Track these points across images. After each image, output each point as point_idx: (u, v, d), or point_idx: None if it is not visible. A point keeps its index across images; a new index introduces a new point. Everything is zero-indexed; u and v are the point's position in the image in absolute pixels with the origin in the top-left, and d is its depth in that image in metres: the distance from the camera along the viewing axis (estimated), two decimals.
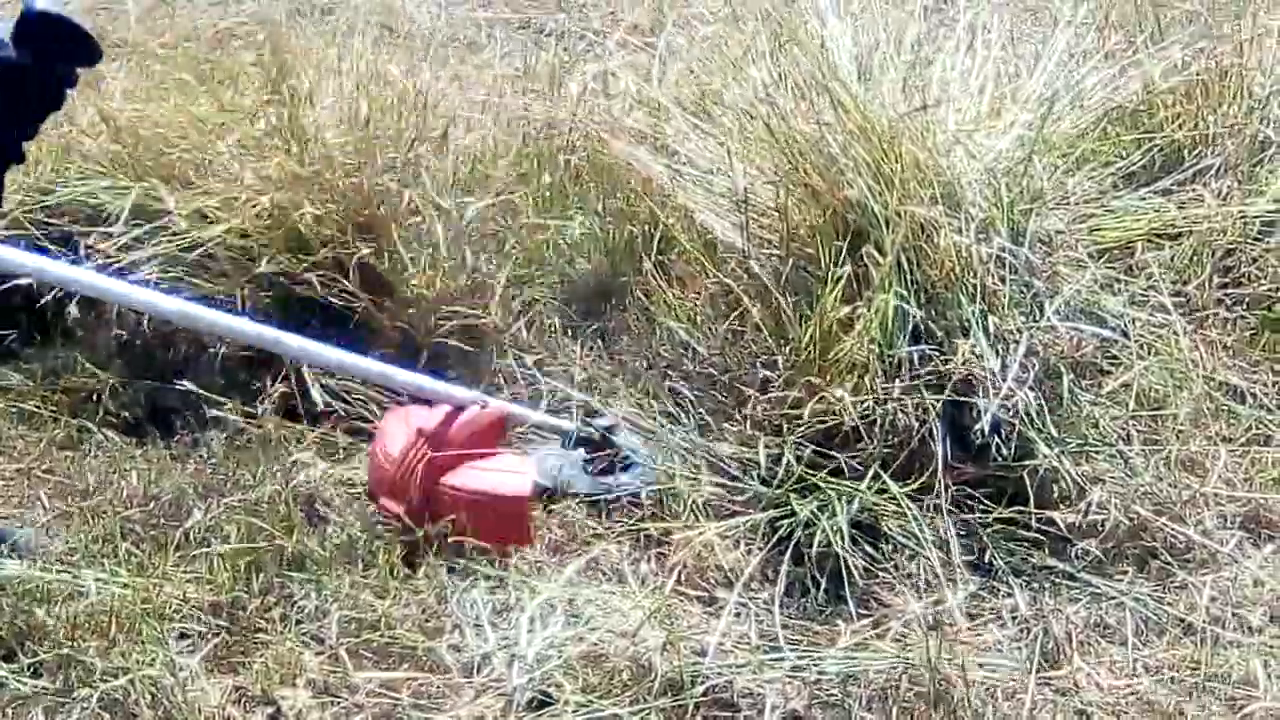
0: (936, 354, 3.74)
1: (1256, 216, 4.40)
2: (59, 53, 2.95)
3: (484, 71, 5.29)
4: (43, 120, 3.09)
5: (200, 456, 3.88)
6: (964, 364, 3.69)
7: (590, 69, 5.11)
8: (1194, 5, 5.33)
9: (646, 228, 4.27)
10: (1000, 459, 3.67)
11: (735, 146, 4.14)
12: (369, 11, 5.89)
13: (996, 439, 3.66)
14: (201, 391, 3.92)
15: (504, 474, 3.69)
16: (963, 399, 3.70)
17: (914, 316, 3.77)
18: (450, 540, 3.54)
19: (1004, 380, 3.68)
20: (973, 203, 3.93)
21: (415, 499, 3.60)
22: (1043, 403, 3.71)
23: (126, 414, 4.02)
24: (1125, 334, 3.97)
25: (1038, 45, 5.02)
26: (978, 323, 3.75)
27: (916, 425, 3.67)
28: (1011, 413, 3.68)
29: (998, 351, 3.73)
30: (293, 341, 3.71)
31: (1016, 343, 3.75)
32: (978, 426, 3.65)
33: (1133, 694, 3.26)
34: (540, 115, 4.79)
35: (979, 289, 3.80)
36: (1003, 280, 3.83)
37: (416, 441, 3.65)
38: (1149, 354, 3.97)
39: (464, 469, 3.65)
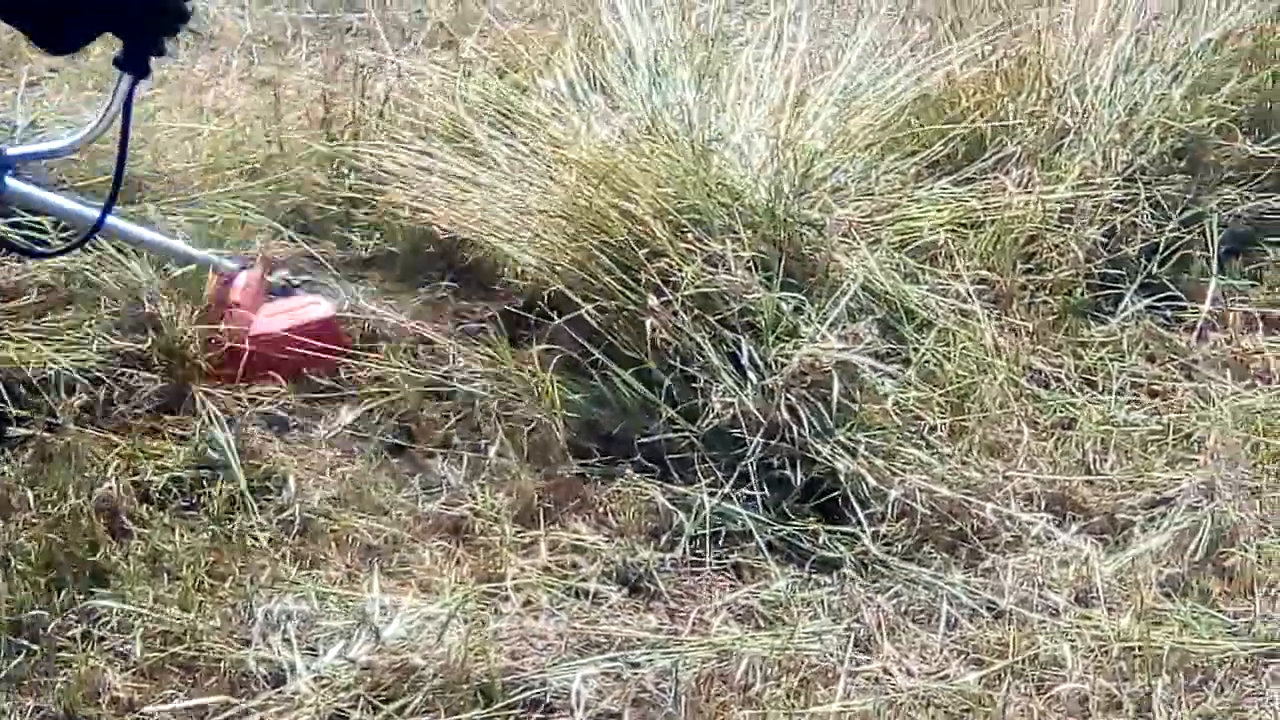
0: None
1: (1057, 203, 4.46)
2: None
3: (289, 72, 5.22)
4: None
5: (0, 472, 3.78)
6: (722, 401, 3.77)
7: (396, 68, 5.08)
8: None
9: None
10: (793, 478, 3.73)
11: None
12: None
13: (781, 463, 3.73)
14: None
15: (303, 308, 4.08)
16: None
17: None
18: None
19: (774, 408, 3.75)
20: (727, 217, 4.02)
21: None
22: (822, 410, 3.75)
23: None
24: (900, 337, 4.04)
25: (843, 37, 5.08)
26: (716, 355, 3.82)
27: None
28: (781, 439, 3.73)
29: (758, 379, 3.78)
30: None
31: (785, 360, 3.80)
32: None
33: (943, 679, 3.29)
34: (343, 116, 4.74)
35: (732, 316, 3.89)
36: (757, 303, 3.89)
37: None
38: (952, 342, 4.02)
39: (268, 318, 4.03)
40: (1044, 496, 3.77)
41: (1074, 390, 4.09)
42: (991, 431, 3.88)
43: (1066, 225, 4.43)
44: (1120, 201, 4.49)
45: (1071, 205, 4.45)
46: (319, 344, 3.98)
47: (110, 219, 3.70)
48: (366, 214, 4.43)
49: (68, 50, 3.29)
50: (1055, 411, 4.02)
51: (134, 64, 3.13)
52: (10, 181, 3.41)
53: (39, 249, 3.90)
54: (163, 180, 4.47)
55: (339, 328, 4.06)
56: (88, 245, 3.91)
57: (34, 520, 3.54)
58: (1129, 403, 4.09)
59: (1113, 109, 4.65)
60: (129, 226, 4.02)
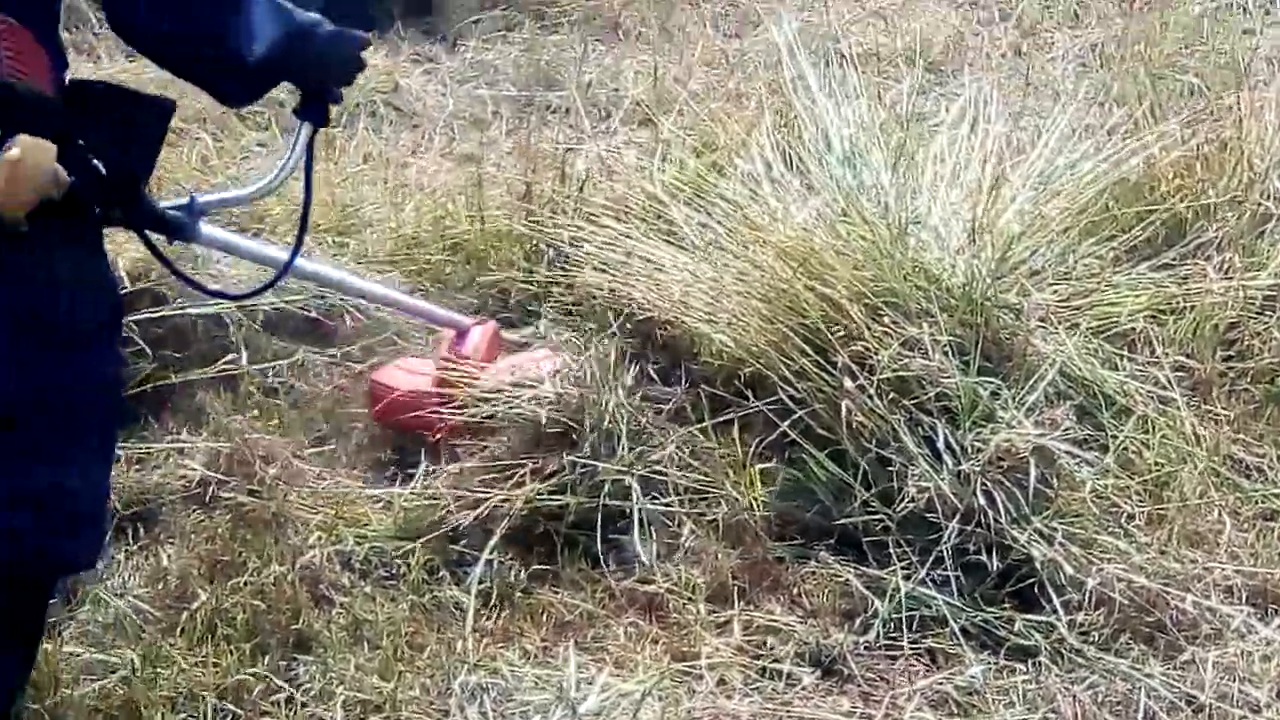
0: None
1: (1259, 290, 4.40)
2: None
3: (489, 149, 5.33)
4: None
5: (207, 536, 3.87)
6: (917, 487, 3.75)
7: (595, 147, 5.16)
8: (1193, 79, 5.38)
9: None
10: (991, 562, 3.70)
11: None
12: (375, 90, 5.94)
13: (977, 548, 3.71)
14: (203, 470, 3.92)
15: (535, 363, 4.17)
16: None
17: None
18: None
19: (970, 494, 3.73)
20: (924, 300, 4.02)
21: None
22: (1018, 496, 3.73)
23: None
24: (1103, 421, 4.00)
25: (1039, 121, 5.07)
26: (911, 439, 3.81)
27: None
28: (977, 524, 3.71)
29: (954, 464, 3.77)
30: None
31: (982, 445, 3.78)
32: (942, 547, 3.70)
33: None
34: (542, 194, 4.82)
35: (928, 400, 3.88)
36: (954, 387, 3.88)
37: None
38: (1151, 429, 3.97)
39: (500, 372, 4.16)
40: (1245, 589, 3.70)
41: (1276, 481, 4.01)
42: (1191, 521, 3.82)
43: (1269, 313, 4.37)
44: None
45: (1274, 293, 4.39)
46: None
47: (305, 263, 3.84)
48: (564, 293, 4.49)
49: (244, 103, 3.42)
50: (1257, 502, 3.95)
51: (313, 113, 3.24)
52: (205, 227, 3.48)
53: (230, 292, 3.98)
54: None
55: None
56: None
57: (240, 586, 3.63)
58: None
59: None
60: (321, 269, 4.16)
